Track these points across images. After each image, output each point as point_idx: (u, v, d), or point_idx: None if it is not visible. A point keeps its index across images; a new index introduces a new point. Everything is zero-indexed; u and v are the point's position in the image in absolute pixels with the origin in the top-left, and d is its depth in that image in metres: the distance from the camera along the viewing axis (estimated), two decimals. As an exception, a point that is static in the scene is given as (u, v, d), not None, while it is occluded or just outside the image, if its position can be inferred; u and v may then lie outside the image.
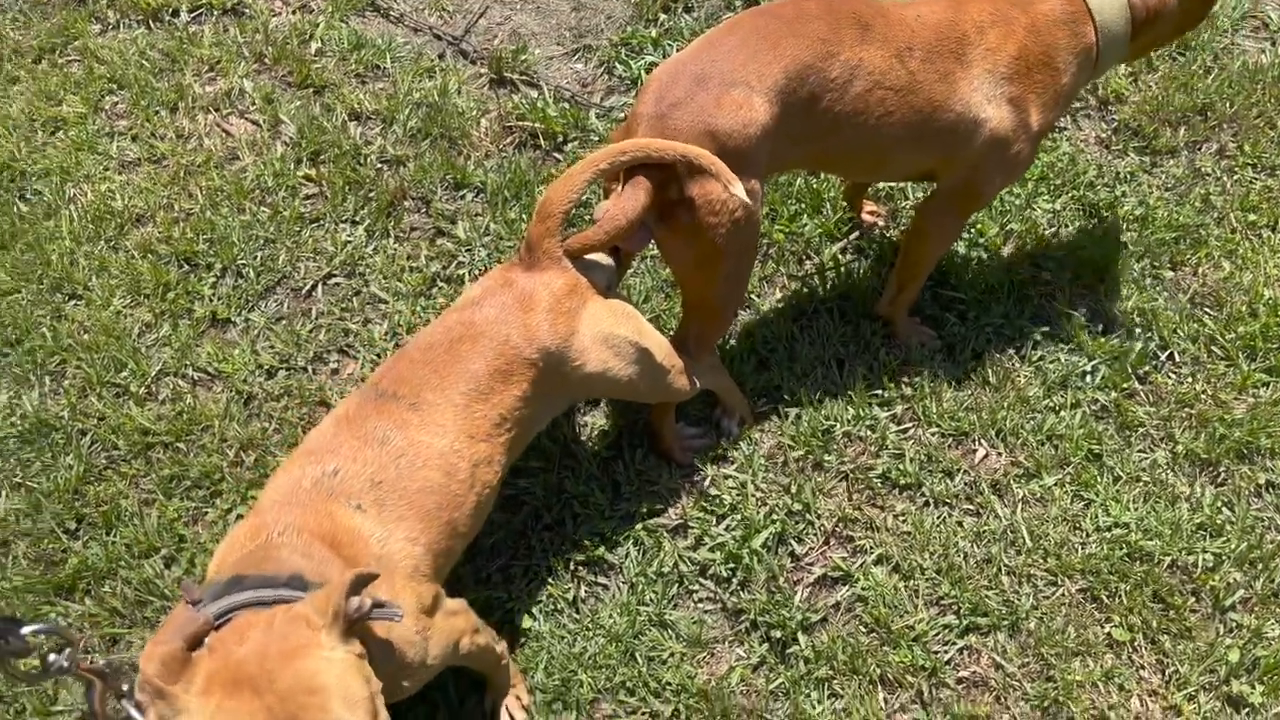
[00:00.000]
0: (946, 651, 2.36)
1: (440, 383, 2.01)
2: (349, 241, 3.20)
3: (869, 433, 2.69)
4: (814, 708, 2.29)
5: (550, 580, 2.50)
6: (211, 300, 3.07)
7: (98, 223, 3.27)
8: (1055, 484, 2.59)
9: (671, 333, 2.51)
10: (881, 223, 3.09)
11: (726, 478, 2.63)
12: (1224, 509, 2.53)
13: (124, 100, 3.67)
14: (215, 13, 3.92)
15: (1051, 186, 3.17)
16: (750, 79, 2.16)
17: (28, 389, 2.89)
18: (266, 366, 2.92)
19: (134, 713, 1.49)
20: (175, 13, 3.92)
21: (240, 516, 2.60)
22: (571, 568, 2.51)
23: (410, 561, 1.88)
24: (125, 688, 1.52)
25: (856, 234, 3.08)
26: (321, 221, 3.27)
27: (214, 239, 3.20)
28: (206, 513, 2.65)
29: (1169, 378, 2.78)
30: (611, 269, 2.32)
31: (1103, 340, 2.82)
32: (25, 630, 1.43)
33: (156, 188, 3.38)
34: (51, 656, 1.48)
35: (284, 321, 3.03)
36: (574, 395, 2.29)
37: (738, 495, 2.59)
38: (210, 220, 3.24)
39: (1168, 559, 2.45)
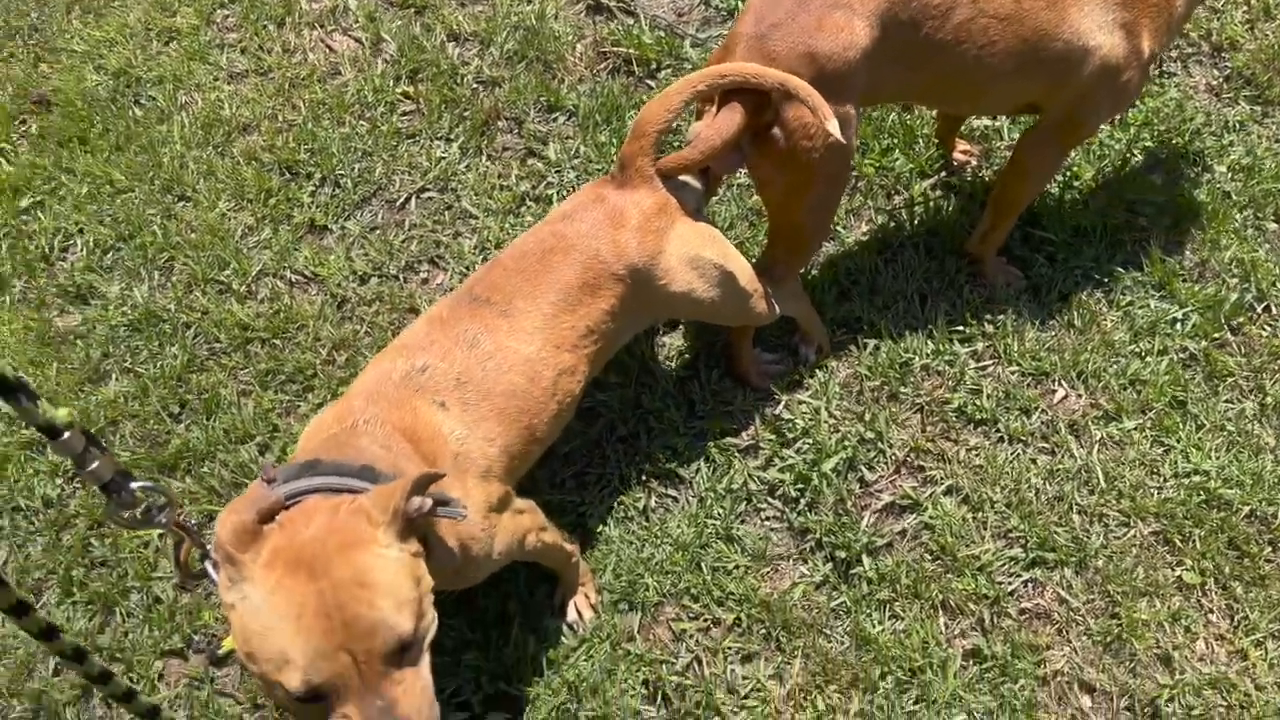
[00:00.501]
0: (1010, 583, 2.38)
1: (531, 291, 2.07)
2: (443, 158, 3.27)
3: (947, 367, 2.69)
4: (874, 627, 2.33)
5: (622, 489, 2.56)
6: (310, 208, 3.18)
7: (207, 129, 3.40)
8: (1135, 428, 2.56)
9: (755, 259, 2.52)
10: (974, 162, 3.05)
11: (800, 403, 2.66)
12: (1310, 463, 2.48)
13: (234, 14, 3.78)
14: (325, -69, 4.00)
15: (1155, 132, 3.09)
16: (853, 2, 2.15)
17: (138, 282, 3.04)
18: (360, 272, 3.03)
19: (210, 569, 1.60)
20: (287, -70, 4.01)
21: (330, 411, 2.73)
22: (643, 479, 2.57)
23: (485, 462, 1.94)
24: (207, 547, 1.62)
25: (947, 172, 3.05)
26: (417, 137, 3.35)
27: (314, 149, 3.31)
28: (299, 406, 2.77)
29: (1263, 330, 2.71)
30: (700, 191, 2.35)
31: (1196, 289, 2.76)
32: (134, 485, 1.53)
33: (262, 98, 3.49)
34: (153, 511, 1.58)
35: (378, 231, 3.13)
36: (657, 314, 2.32)
37: (811, 420, 2.62)
38: (312, 132, 3.35)
39: (1246, 508, 2.41)
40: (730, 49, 2.20)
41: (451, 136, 3.34)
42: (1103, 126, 3.05)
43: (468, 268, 3.01)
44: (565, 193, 3.16)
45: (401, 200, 3.20)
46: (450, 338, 2.00)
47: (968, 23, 2.20)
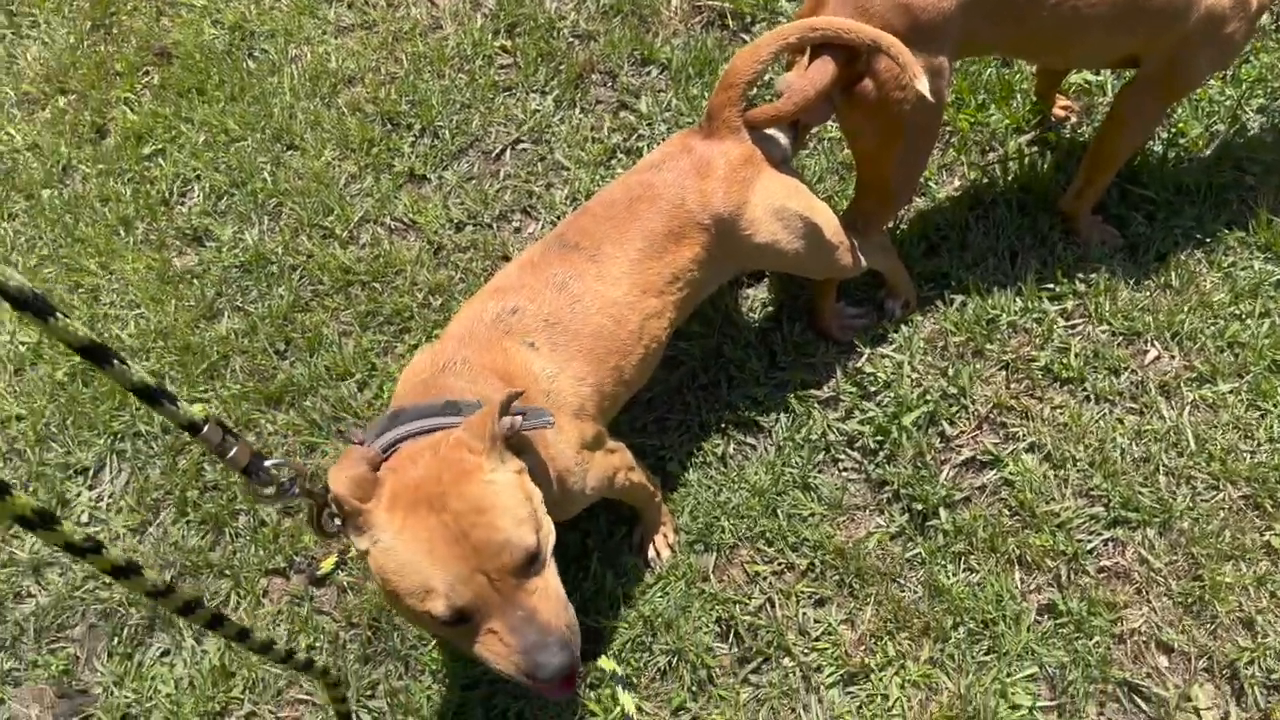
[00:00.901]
0: (1090, 541, 2.36)
1: (619, 238, 2.12)
2: (538, 110, 3.34)
3: (1035, 325, 2.66)
4: (948, 578, 2.35)
5: (702, 435, 2.62)
6: (410, 157, 3.29)
7: (314, 81, 3.54)
8: (1230, 391, 2.50)
9: (843, 211, 2.53)
10: (1074, 118, 2.98)
11: (883, 357, 2.67)
12: None
13: (342, -31, 3.91)
14: (428, -112, 4.09)
15: (1270, 89, 2.96)
16: None
17: (249, 226, 3.21)
18: (456, 220, 3.13)
19: (341, 525, 1.70)
20: (392, -112, 4.11)
21: (425, 352, 2.85)
22: (723, 426, 2.62)
23: (576, 400, 2.02)
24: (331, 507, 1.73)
25: (1045, 127, 2.98)
26: (514, 90, 3.43)
27: (415, 101, 3.42)
28: (396, 346, 2.90)
29: (1375, 294, 2.60)
30: (788, 143, 2.36)
31: (1305, 250, 2.67)
32: (267, 463, 1.63)
33: (367, 51, 3.61)
34: (285, 484, 1.67)
35: (474, 181, 3.23)
36: (742, 264, 2.35)
37: (893, 374, 2.62)
38: (413, 84, 3.45)
39: (1345, 476, 2.35)
40: (823, 1, 2.19)
41: (547, 89, 3.41)
42: (1212, 81, 2.94)
43: (558, 217, 3.09)
44: (656, 145, 3.17)
45: (497, 151, 3.29)
46: (540, 280, 2.07)
47: None
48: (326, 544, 2.57)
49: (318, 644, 2.44)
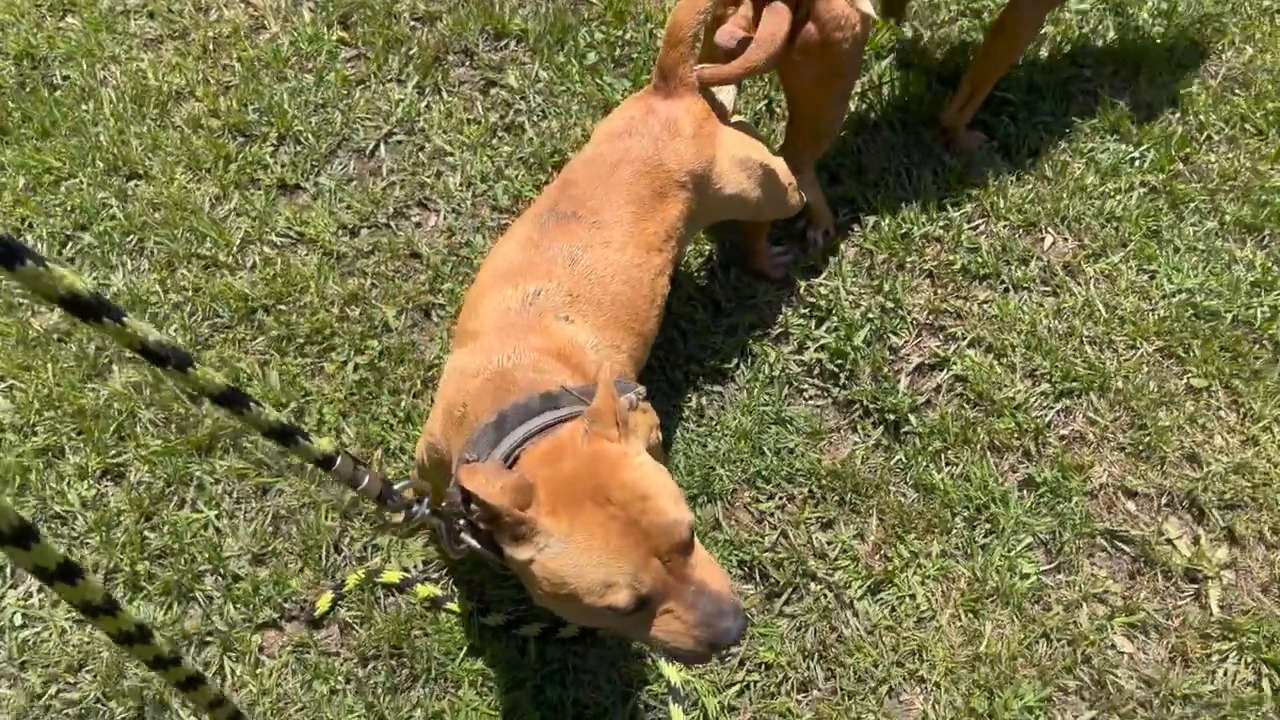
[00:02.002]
0: (1045, 415, 2.58)
1: (613, 203, 2.08)
2: (401, 100, 3.20)
3: (944, 232, 2.85)
4: (934, 476, 2.50)
5: (672, 392, 2.64)
6: (276, 168, 3.07)
7: (138, 102, 3.22)
8: (1120, 260, 2.80)
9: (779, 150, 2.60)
10: (909, 32, 3.17)
11: (819, 285, 2.78)
12: (1274, 267, 2.76)
13: (129, -23, 3.55)
14: (203, -120, 3.77)
15: (1078, -11, 3.29)
16: None
17: (111, 269, 2.89)
18: (349, 226, 2.96)
19: (471, 541, 1.61)
20: (160, -117, 3.75)
21: (358, 366, 2.70)
22: (690, 379, 2.66)
23: (619, 367, 1.98)
24: (460, 524, 1.64)
25: (898, 47, 3.17)
26: (368, 83, 3.26)
27: (263, 108, 3.18)
28: (324, 367, 2.72)
29: (1210, 156, 2.97)
30: (734, 93, 2.40)
31: (1146, 127, 3.00)
32: (397, 487, 1.57)
33: (188, 62, 3.32)
34: (414, 507, 1.62)
35: (354, 182, 3.05)
36: (713, 215, 2.35)
37: (832, 300, 2.74)
38: (254, 90, 3.21)
39: (1230, 315, 2.68)
40: None
41: (403, 78, 3.26)
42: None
43: (458, 205, 2.99)
44: (535, 118, 3.15)
45: (370, 147, 3.12)
46: (549, 258, 2.00)
47: None
48: (317, 585, 2.40)
49: (337, 687, 2.29)
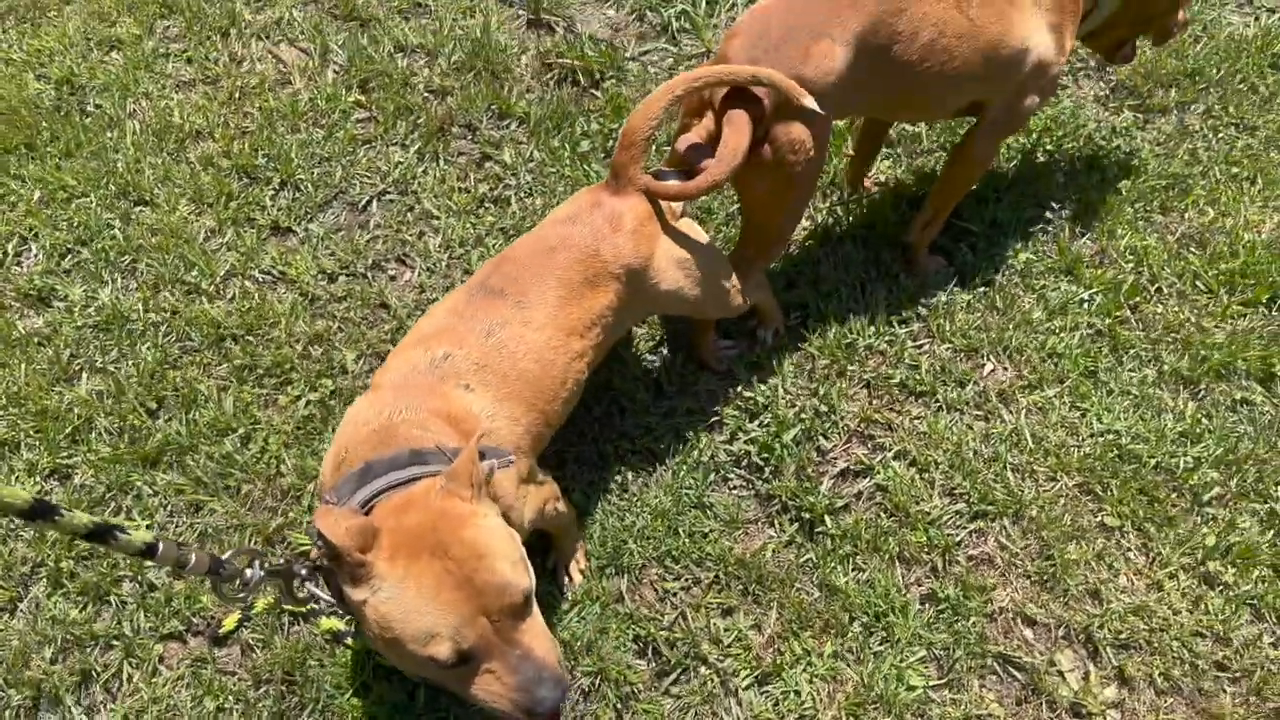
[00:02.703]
0: (957, 534, 2.64)
1: (541, 285, 2.21)
2: (401, 162, 3.40)
3: (888, 347, 2.96)
4: (840, 578, 2.55)
5: (601, 465, 2.73)
6: (272, 210, 3.26)
7: (159, 136, 3.45)
8: (1055, 395, 2.87)
9: (729, 253, 2.73)
10: (876, 190, 3.32)
11: (759, 382, 2.88)
12: (1203, 420, 2.82)
13: (176, 24, 3.83)
14: (261, -54, 4.08)
15: (1055, 137, 3.44)
16: (834, 30, 2.35)
17: (101, 284, 3.07)
18: (329, 271, 3.12)
19: (316, 591, 1.72)
20: (222, -56, 4.07)
21: (310, 402, 2.82)
22: (620, 454, 2.75)
23: (513, 439, 2.08)
24: (302, 573, 1.74)
25: (850, 198, 3.32)
26: (374, 143, 3.47)
27: (272, 155, 3.39)
28: (278, 399, 2.85)
29: (1157, 307, 3.06)
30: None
31: (1099, 272, 3.10)
32: (224, 557, 1.65)
33: (213, 106, 3.55)
34: (248, 572, 1.70)
35: (342, 232, 3.23)
36: (649, 309, 2.48)
37: (769, 397, 2.84)
38: (268, 138, 3.43)
39: (1154, 461, 2.74)
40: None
41: (407, 143, 3.47)
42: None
43: (433, 265, 3.15)
44: (522, 194, 3.33)
45: (363, 202, 3.31)
46: (467, 327, 2.13)
47: (931, 43, 2.44)
48: (224, 604, 2.48)
49: (226, 706, 2.35)
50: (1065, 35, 2.60)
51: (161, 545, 1.51)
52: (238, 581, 1.67)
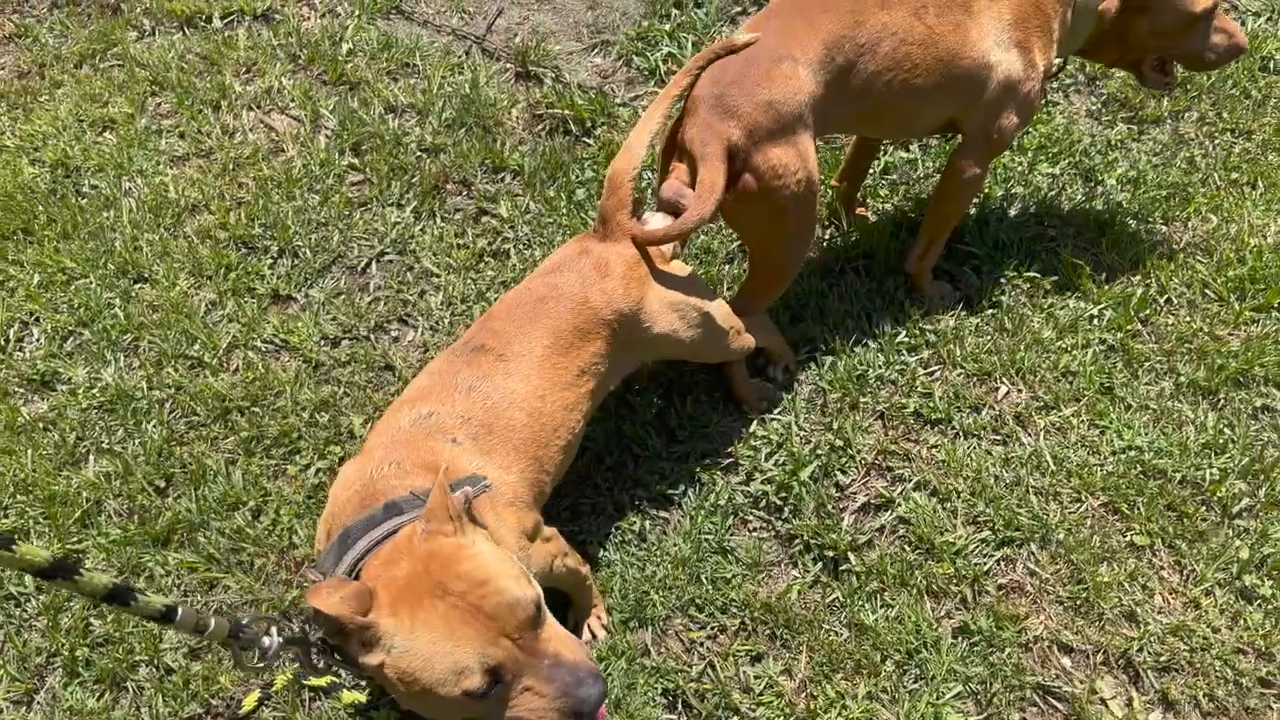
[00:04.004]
0: (985, 563, 2.58)
1: (526, 336, 2.21)
2: (398, 222, 3.39)
3: (899, 376, 2.92)
4: (869, 616, 2.50)
5: (617, 515, 2.69)
6: (272, 279, 3.25)
7: (156, 212, 3.45)
8: (1072, 414, 2.83)
9: (731, 293, 2.71)
10: (872, 217, 3.31)
11: (772, 420, 2.84)
12: (1225, 430, 2.77)
13: (168, 100, 3.85)
14: (247, 18, 4.12)
15: (1050, 154, 3.43)
16: (794, 52, 2.40)
17: (104, 364, 3.05)
18: (331, 336, 3.10)
19: (336, 658, 1.67)
20: (208, 19, 4.11)
21: (319, 470, 2.79)
22: (636, 503, 2.71)
23: (508, 490, 2.07)
24: (320, 639, 1.69)
25: (843, 228, 3.30)
26: (370, 205, 3.46)
27: (269, 224, 3.39)
28: (287, 468, 2.82)
29: (1168, 318, 3.03)
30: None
31: (1107, 288, 3.08)
32: (244, 621, 1.62)
33: (208, 179, 3.56)
34: (265, 640, 1.65)
35: (343, 296, 3.22)
36: (645, 354, 2.47)
37: (783, 434, 2.80)
38: (264, 207, 3.43)
39: (1178, 475, 2.69)
40: (691, 110, 2.40)
41: (403, 202, 3.47)
42: (1006, 152, 3.37)
43: (437, 323, 3.13)
44: (521, 246, 3.32)
45: (362, 265, 3.30)
46: (448, 386, 2.14)
47: (893, 52, 2.48)
48: (246, 682, 2.43)
49: (250, 789, 2.30)
50: (1034, 53, 2.60)
51: (180, 609, 1.50)
52: (256, 651, 1.63)
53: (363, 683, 2.43)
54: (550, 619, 1.64)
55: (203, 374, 3.02)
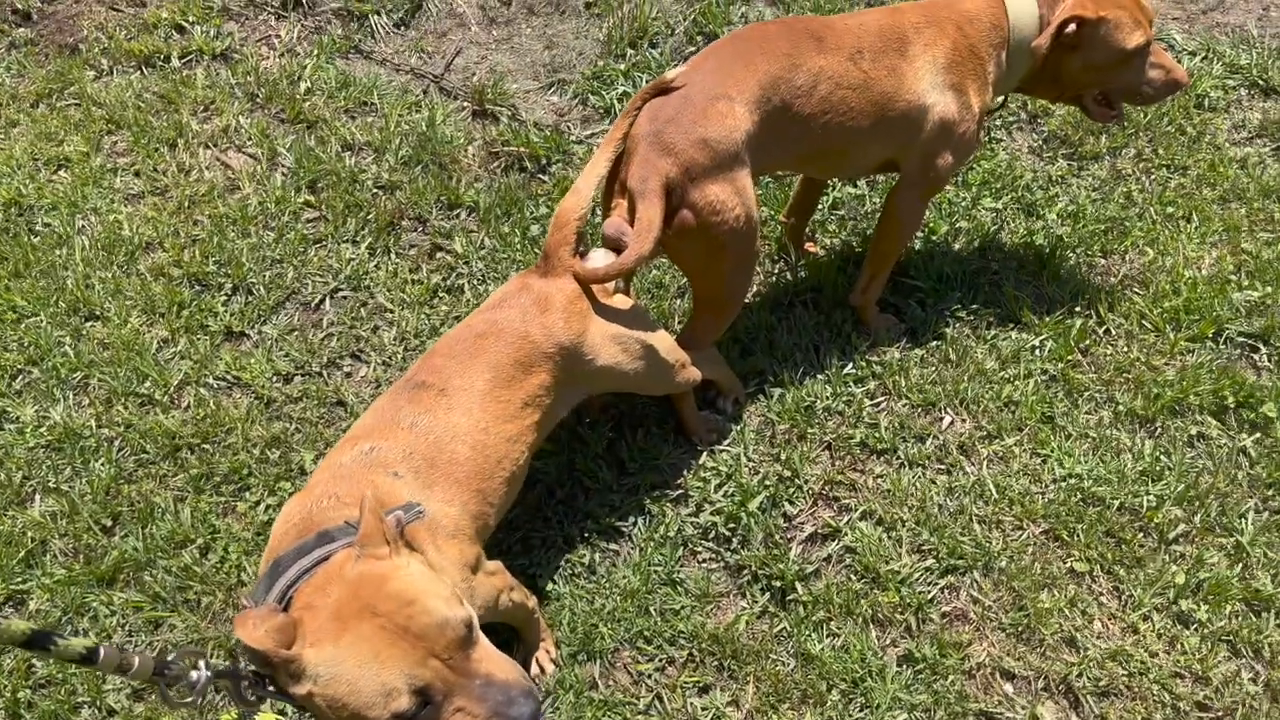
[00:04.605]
0: (929, 591, 2.62)
1: (467, 371, 2.24)
2: (352, 259, 3.42)
3: (846, 407, 2.97)
4: (815, 646, 2.52)
5: (567, 548, 2.71)
6: (225, 316, 3.26)
7: (109, 250, 3.45)
8: (1015, 443, 2.88)
9: (679, 327, 2.76)
10: (821, 253, 3.38)
11: (721, 451, 2.88)
12: (1162, 457, 2.84)
13: (124, 139, 3.87)
14: (205, 58, 4.16)
15: (993, 189, 3.52)
16: (730, 91, 2.46)
17: (53, 403, 3.04)
18: (283, 373, 3.11)
19: (266, 691, 1.65)
20: (166, 58, 4.14)
21: (269, 507, 2.79)
22: (586, 536, 2.72)
23: (450, 522, 2.08)
24: (250, 672, 1.68)
25: (793, 264, 3.36)
26: (325, 242, 3.49)
27: (223, 261, 3.40)
28: (236, 505, 2.82)
29: (1107, 348, 3.10)
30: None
31: (1047, 319, 3.15)
32: (170, 658, 1.61)
33: (163, 217, 3.57)
34: (193, 674, 1.63)
35: (296, 332, 3.23)
36: (589, 387, 2.50)
37: (732, 465, 2.84)
38: (218, 244, 3.44)
39: (1117, 502, 2.74)
40: (631, 149, 2.46)
41: (358, 239, 3.49)
42: (949, 186, 3.45)
43: (390, 358, 3.15)
44: (475, 282, 3.35)
45: (316, 301, 3.32)
46: (390, 422, 2.16)
47: (829, 95, 2.55)
48: (174, 712, 2.42)
49: (193, 831, 2.28)
50: (969, 94, 2.68)
51: (103, 650, 1.48)
52: (184, 685, 1.62)
53: (296, 711, 2.43)
54: (483, 640, 1.65)
55: (153, 411, 3.01)
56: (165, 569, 2.67)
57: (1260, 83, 3.87)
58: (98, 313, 3.28)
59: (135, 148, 3.82)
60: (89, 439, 2.94)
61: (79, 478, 2.87)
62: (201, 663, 1.63)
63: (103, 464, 2.89)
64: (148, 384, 3.08)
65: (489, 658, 1.63)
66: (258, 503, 2.81)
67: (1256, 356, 3.08)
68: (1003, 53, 2.74)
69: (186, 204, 3.62)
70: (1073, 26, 2.68)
